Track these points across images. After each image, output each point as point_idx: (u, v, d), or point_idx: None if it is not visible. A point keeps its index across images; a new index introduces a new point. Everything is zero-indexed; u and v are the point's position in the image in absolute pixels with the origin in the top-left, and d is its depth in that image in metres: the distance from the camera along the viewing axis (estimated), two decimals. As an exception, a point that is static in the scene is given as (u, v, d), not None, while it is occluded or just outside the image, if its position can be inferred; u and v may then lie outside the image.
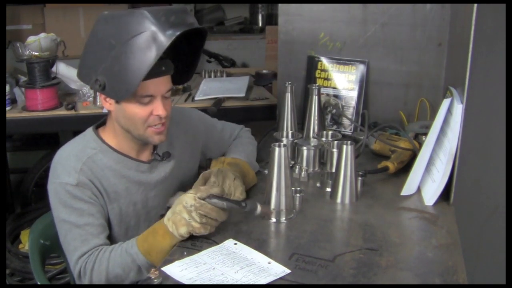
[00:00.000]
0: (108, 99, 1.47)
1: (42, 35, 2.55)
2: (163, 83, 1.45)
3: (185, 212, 1.35)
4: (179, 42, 1.50)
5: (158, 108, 1.45)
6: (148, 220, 1.57)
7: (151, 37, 1.33)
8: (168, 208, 1.44)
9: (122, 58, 1.35)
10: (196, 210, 1.35)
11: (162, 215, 1.44)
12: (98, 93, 2.55)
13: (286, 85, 1.98)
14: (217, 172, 1.59)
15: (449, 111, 1.61)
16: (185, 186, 1.63)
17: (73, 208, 1.45)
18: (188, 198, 1.37)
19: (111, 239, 1.53)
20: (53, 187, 1.47)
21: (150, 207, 1.61)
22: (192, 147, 1.74)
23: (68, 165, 1.47)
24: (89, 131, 1.57)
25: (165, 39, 1.34)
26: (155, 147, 1.61)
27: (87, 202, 1.46)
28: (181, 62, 1.56)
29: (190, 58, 1.58)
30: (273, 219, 1.50)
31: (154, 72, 1.39)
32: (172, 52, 1.50)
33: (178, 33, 1.35)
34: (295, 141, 1.91)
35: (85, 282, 1.43)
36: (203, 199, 1.36)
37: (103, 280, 1.42)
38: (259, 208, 1.40)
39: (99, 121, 1.61)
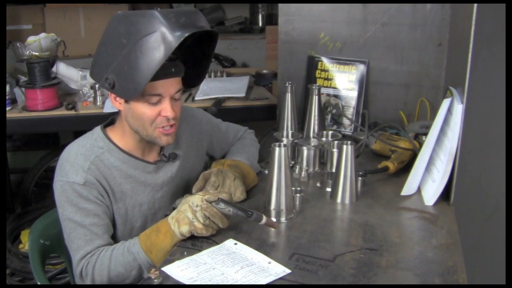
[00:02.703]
0: (118, 98, 1.48)
1: (42, 35, 2.55)
2: (172, 84, 1.46)
3: (190, 211, 1.36)
4: (190, 44, 1.52)
5: (167, 109, 1.46)
6: (155, 222, 1.57)
7: (160, 37, 1.34)
8: (174, 209, 1.44)
9: (131, 58, 1.36)
10: (201, 211, 1.35)
11: (167, 215, 1.44)
12: (99, 93, 2.57)
13: (286, 85, 1.98)
14: (217, 172, 1.59)
15: (449, 111, 1.61)
16: (190, 188, 1.63)
17: (79, 207, 1.45)
18: (195, 199, 1.38)
19: (115, 239, 1.54)
20: (59, 185, 1.48)
21: (156, 208, 1.61)
22: (198, 146, 1.74)
23: (76, 164, 1.47)
24: (97, 130, 1.57)
25: (173, 40, 1.34)
26: (161, 148, 1.61)
27: (93, 202, 1.47)
28: (192, 64, 1.57)
29: (201, 61, 1.59)
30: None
31: (163, 73, 1.40)
32: (183, 54, 1.51)
33: (186, 34, 1.35)
34: (295, 141, 1.91)
35: (87, 281, 1.43)
36: (210, 202, 1.37)
37: (105, 279, 1.42)
38: (264, 219, 1.40)
39: (100, 120, 1.62)
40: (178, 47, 1.39)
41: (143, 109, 1.46)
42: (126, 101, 1.47)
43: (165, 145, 1.55)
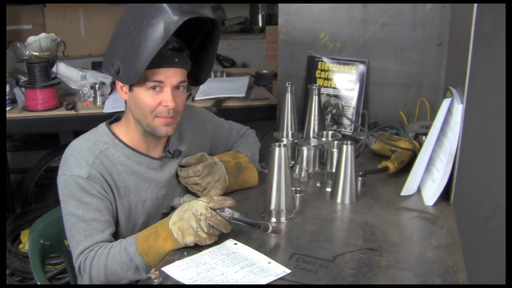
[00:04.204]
0: (124, 88, 1.51)
1: (42, 35, 2.54)
2: (174, 74, 1.47)
3: (194, 220, 1.32)
4: (198, 41, 1.55)
5: (167, 99, 1.47)
6: (158, 219, 1.57)
7: (162, 22, 1.37)
8: (172, 208, 1.43)
9: (135, 43, 1.39)
10: (206, 220, 1.32)
11: (165, 214, 1.43)
12: (99, 94, 2.57)
13: (286, 85, 1.98)
14: (208, 165, 1.60)
15: (449, 111, 1.61)
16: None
17: (81, 201, 1.45)
18: (199, 206, 1.34)
19: (118, 235, 1.54)
20: (63, 179, 1.48)
21: (160, 205, 1.61)
22: (201, 144, 1.74)
23: (81, 158, 1.48)
24: (102, 125, 1.58)
25: (172, 23, 1.37)
26: (166, 145, 1.61)
27: (96, 196, 1.47)
28: (200, 62, 1.59)
29: (207, 56, 1.61)
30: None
31: (165, 61, 1.43)
32: (192, 53, 1.55)
33: (185, 18, 1.38)
34: (295, 141, 1.91)
35: (85, 277, 1.43)
36: (215, 209, 1.34)
37: (102, 277, 1.41)
38: (270, 228, 1.38)
39: (100, 120, 1.62)
40: (186, 42, 1.43)
41: (145, 97, 1.47)
42: (130, 90, 1.49)
43: (164, 135, 1.54)
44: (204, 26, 1.53)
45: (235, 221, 1.34)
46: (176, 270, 1.26)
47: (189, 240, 1.33)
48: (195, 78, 1.61)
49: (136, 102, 1.49)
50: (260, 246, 1.36)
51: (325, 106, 2.23)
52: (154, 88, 1.46)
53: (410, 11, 2.12)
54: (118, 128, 1.58)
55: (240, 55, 4.34)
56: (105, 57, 1.52)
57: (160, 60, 1.41)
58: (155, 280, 1.20)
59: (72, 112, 2.54)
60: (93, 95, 2.60)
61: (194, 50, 1.57)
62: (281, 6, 2.29)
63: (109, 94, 2.65)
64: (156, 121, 1.50)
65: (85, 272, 1.43)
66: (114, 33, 1.49)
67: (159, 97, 1.47)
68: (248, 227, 1.38)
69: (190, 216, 1.33)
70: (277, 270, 1.25)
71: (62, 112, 2.56)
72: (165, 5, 1.39)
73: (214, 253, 1.32)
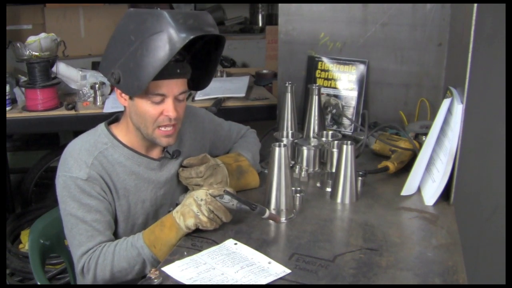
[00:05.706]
0: (123, 94, 1.49)
1: (42, 35, 2.54)
2: (176, 85, 1.47)
3: (195, 204, 1.38)
4: (199, 47, 1.53)
5: (169, 109, 1.47)
6: (156, 219, 1.58)
7: (166, 37, 1.35)
8: (177, 205, 1.45)
9: (137, 55, 1.38)
10: (206, 205, 1.38)
11: (170, 211, 1.44)
12: (99, 94, 2.57)
13: (286, 85, 1.98)
14: (211, 166, 1.60)
15: (449, 111, 1.61)
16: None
17: (81, 203, 1.46)
18: (199, 193, 1.41)
19: (117, 236, 1.54)
20: (62, 180, 1.48)
21: (158, 205, 1.62)
22: (200, 145, 1.75)
23: (80, 159, 1.48)
24: (101, 126, 1.58)
25: (178, 41, 1.35)
26: None
27: (96, 198, 1.47)
28: (200, 67, 1.58)
29: (209, 64, 1.60)
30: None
31: (168, 73, 1.42)
32: (192, 57, 1.53)
33: (192, 36, 1.36)
34: (295, 141, 1.91)
35: (89, 277, 1.44)
36: (214, 196, 1.40)
37: (108, 275, 1.42)
38: (267, 212, 1.41)
39: (100, 120, 1.62)
40: (186, 49, 1.41)
41: (146, 107, 1.47)
42: (131, 98, 1.48)
43: (165, 145, 1.56)
44: (204, 35, 1.50)
45: (232, 202, 1.39)
46: (176, 270, 1.26)
47: (190, 222, 1.38)
48: (193, 82, 1.59)
49: (137, 111, 1.48)
50: (260, 246, 1.36)
51: (325, 106, 2.23)
52: (156, 100, 1.46)
53: (410, 11, 2.13)
54: (117, 129, 1.58)
55: (240, 55, 4.35)
56: (103, 61, 1.50)
57: (163, 73, 1.38)
58: (155, 280, 1.21)
59: (72, 112, 2.54)
60: (93, 95, 2.60)
61: (193, 54, 1.55)
62: (281, 6, 2.29)
63: (109, 94, 2.65)
64: (157, 132, 1.50)
65: (88, 272, 1.43)
66: (113, 38, 1.46)
67: (160, 107, 1.47)
68: (246, 211, 1.41)
69: (191, 202, 1.40)
70: (277, 270, 1.25)
71: (62, 112, 2.56)
72: (168, 18, 1.36)
73: (214, 253, 1.33)
